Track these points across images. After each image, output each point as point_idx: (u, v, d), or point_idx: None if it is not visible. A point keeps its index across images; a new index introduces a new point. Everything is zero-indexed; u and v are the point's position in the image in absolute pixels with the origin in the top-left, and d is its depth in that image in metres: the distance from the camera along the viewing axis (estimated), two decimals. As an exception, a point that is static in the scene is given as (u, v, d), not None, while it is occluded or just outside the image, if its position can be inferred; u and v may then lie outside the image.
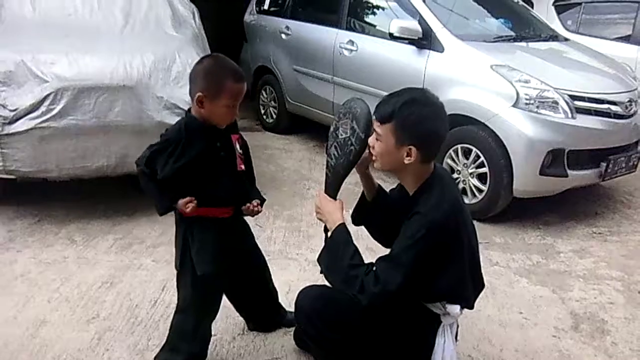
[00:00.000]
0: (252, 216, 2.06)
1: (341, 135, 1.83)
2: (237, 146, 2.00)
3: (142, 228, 3.34)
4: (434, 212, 1.62)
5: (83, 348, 2.23)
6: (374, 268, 1.65)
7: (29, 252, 3.00)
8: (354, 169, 1.85)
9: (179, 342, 2.03)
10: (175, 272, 2.04)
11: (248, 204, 2.02)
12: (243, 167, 2.01)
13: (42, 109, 3.03)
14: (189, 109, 1.93)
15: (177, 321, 2.04)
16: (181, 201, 1.86)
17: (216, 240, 1.96)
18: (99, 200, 3.67)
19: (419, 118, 1.62)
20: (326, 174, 1.91)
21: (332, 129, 1.89)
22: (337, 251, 1.74)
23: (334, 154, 1.85)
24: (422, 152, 1.66)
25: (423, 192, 1.71)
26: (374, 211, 1.95)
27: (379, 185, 1.97)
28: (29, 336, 2.30)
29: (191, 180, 1.87)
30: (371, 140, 1.73)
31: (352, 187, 1.95)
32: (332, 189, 1.89)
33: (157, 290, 2.67)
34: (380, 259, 1.68)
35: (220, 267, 1.99)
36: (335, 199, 1.87)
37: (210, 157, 1.90)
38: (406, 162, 1.66)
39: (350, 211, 1.99)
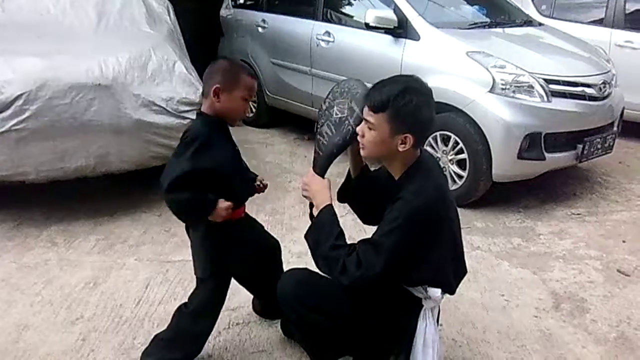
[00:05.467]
0: (263, 192, 2.14)
1: (336, 114, 1.81)
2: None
3: (124, 227, 3.32)
4: (417, 198, 1.64)
5: (68, 350, 2.22)
6: (357, 250, 1.66)
7: (9, 257, 2.96)
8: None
9: (181, 342, 2.03)
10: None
11: (256, 184, 2.11)
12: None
13: (15, 109, 2.98)
14: (200, 110, 1.94)
15: (185, 323, 2.03)
16: (223, 205, 1.84)
17: (246, 240, 2.04)
18: (80, 201, 3.62)
19: (415, 107, 1.63)
20: (317, 153, 1.88)
21: (324, 107, 1.86)
22: (322, 231, 1.75)
23: (326, 133, 1.83)
24: (417, 139, 1.68)
25: (408, 178, 1.72)
26: (356, 189, 1.97)
27: (366, 164, 1.98)
28: (12, 341, 2.27)
29: (219, 181, 1.86)
30: (360, 128, 1.73)
31: (334, 177, 1.95)
32: (322, 168, 1.87)
33: (141, 289, 2.67)
34: (362, 241, 1.69)
35: (255, 265, 2.14)
36: (323, 177, 1.87)
37: (233, 154, 1.95)
38: (400, 149, 1.67)
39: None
